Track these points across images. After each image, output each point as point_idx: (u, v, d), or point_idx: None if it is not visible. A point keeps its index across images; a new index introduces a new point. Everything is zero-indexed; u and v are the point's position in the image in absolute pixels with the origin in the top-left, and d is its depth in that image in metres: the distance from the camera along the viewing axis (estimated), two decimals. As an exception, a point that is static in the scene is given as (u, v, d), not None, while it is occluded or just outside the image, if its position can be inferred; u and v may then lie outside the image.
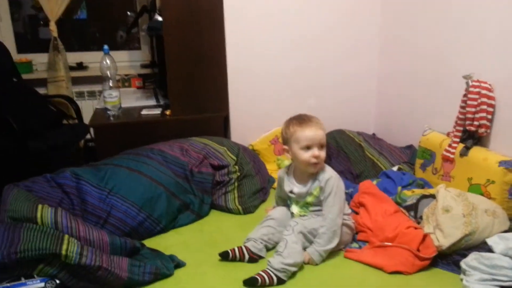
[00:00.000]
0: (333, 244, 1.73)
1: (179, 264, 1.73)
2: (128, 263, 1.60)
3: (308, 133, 1.75)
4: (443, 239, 1.74)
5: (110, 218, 1.85)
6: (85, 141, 3.31)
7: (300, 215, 1.84)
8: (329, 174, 1.78)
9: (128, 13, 3.86)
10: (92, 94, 3.51)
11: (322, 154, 1.76)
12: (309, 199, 1.82)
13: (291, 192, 1.86)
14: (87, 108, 3.43)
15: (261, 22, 2.66)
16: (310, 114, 1.86)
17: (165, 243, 1.91)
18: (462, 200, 1.83)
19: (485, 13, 2.05)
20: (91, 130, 2.87)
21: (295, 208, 1.87)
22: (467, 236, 1.72)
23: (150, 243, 1.88)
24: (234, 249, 1.75)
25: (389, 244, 1.78)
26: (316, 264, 1.71)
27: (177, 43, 2.50)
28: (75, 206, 1.85)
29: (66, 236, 1.54)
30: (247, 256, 1.74)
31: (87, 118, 3.01)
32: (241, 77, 2.70)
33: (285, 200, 1.96)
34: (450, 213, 1.78)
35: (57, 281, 1.49)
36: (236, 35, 2.63)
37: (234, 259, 1.74)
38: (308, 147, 1.75)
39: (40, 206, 1.64)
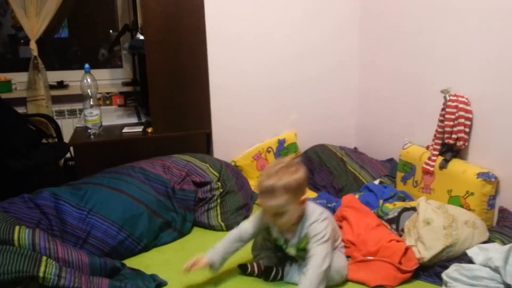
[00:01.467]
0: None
1: (160, 284, 1.71)
2: (108, 284, 1.57)
3: (260, 199, 1.63)
4: (425, 251, 1.76)
5: (90, 238, 1.82)
6: (65, 160, 3.26)
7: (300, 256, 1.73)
8: (313, 219, 1.63)
9: (111, 31, 3.86)
10: (72, 113, 3.47)
11: (279, 222, 1.62)
12: (302, 245, 1.67)
13: (285, 241, 1.71)
14: (68, 127, 3.39)
15: (244, 41, 2.69)
16: (283, 159, 1.71)
17: (146, 262, 1.88)
18: (442, 212, 1.85)
19: (460, 29, 2.10)
20: (71, 149, 2.83)
21: (291, 251, 1.73)
22: (448, 247, 1.73)
23: (131, 262, 1.85)
24: (253, 265, 1.76)
25: (372, 258, 1.78)
26: None
27: (159, 61, 2.50)
28: (54, 226, 1.81)
29: (44, 258, 1.50)
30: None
31: (67, 137, 2.97)
32: (223, 94, 2.71)
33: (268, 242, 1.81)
34: (431, 226, 1.80)
35: (35, 304, 1.45)
36: (218, 53, 2.64)
37: (252, 274, 1.76)
38: (264, 212, 1.67)
39: (17, 228, 1.60)
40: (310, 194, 2.51)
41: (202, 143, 2.68)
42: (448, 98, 2.07)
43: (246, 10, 2.67)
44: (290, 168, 1.57)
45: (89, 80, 2.53)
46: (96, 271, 1.62)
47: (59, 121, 3.35)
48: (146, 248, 1.97)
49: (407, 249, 1.79)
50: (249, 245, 1.82)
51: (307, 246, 1.62)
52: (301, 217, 1.64)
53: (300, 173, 1.58)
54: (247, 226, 1.74)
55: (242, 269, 1.77)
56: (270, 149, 2.82)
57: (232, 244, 1.71)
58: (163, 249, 2.00)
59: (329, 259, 1.58)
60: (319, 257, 1.56)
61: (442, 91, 2.10)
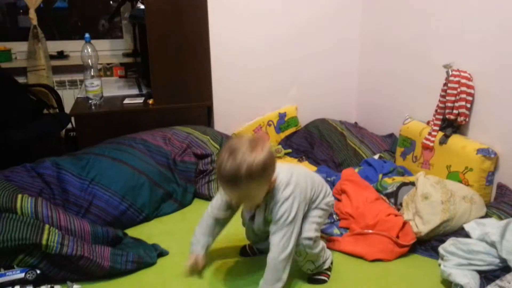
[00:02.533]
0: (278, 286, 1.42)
1: (162, 253, 1.74)
2: (111, 252, 1.60)
3: (223, 188, 1.41)
4: (422, 226, 1.78)
5: (92, 207, 1.84)
6: (66, 130, 3.26)
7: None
8: (276, 199, 1.42)
9: (111, 1, 3.80)
10: (73, 84, 3.45)
11: (248, 203, 1.49)
12: (269, 218, 1.48)
13: (251, 218, 1.56)
14: (68, 98, 3.37)
15: (245, 14, 2.66)
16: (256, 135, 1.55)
17: (148, 232, 1.91)
18: (440, 187, 1.86)
19: (464, 4, 2.07)
20: (73, 119, 2.83)
21: (261, 226, 1.55)
22: (445, 222, 1.76)
23: (132, 232, 1.88)
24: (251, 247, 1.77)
25: (370, 231, 1.81)
26: None
27: (160, 32, 2.47)
28: (56, 196, 1.83)
29: (47, 226, 1.53)
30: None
31: (68, 107, 2.96)
32: (225, 67, 2.69)
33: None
34: (428, 200, 1.82)
35: (38, 271, 1.48)
36: (220, 25, 2.62)
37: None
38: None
39: (20, 196, 1.62)
40: (310, 168, 2.53)
41: (203, 115, 2.67)
42: (450, 73, 2.06)
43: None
44: (253, 149, 1.31)
45: (89, 50, 2.50)
46: (98, 240, 1.65)
47: (60, 92, 3.32)
48: (147, 218, 1.99)
49: (404, 223, 1.82)
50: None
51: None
52: (267, 194, 1.43)
53: (264, 154, 1.31)
54: (216, 210, 1.61)
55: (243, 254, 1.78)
56: (270, 122, 2.82)
57: (213, 231, 1.61)
58: (164, 219, 2.03)
59: (293, 239, 1.41)
60: (277, 245, 1.40)
61: (445, 66, 2.09)
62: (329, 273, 1.62)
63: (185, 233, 1.90)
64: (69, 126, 3.09)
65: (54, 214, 1.61)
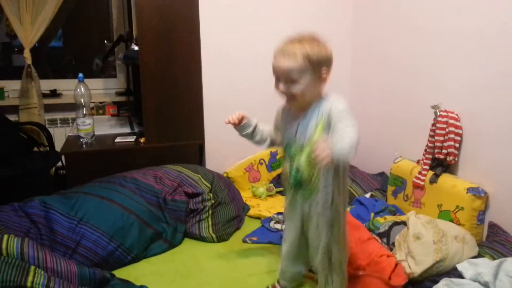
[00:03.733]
0: (350, 152, 1.32)
1: (150, 295, 1.69)
2: (97, 294, 1.56)
3: (274, 62, 1.47)
4: (415, 266, 1.76)
5: (79, 248, 1.80)
6: (56, 169, 3.24)
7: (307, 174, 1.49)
8: (333, 98, 1.45)
9: (105, 41, 3.87)
10: (65, 122, 3.46)
11: (293, 90, 1.44)
12: (316, 136, 1.44)
13: (295, 134, 1.51)
14: (60, 136, 3.37)
15: (237, 58, 2.72)
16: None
17: (136, 273, 1.87)
18: (432, 227, 1.86)
19: (450, 48, 2.14)
20: (63, 158, 2.82)
21: (301, 158, 1.49)
22: (438, 262, 1.74)
23: (120, 273, 1.84)
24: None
25: (362, 273, 1.78)
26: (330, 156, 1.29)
27: (153, 72, 2.51)
28: (43, 236, 1.80)
29: (33, 268, 1.49)
30: None
31: (59, 145, 2.96)
32: (217, 107, 2.71)
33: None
34: (421, 240, 1.81)
35: (22, 315, 1.43)
36: (212, 67, 2.67)
37: None
38: (277, 78, 1.50)
39: (6, 236, 1.58)
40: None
41: (195, 154, 2.68)
42: (438, 114, 2.10)
43: (240, 27, 2.71)
44: (317, 41, 1.43)
45: (82, 89, 2.53)
46: (85, 282, 1.60)
47: (51, 130, 3.33)
48: (136, 259, 1.95)
49: (396, 264, 1.80)
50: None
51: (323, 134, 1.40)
52: (318, 98, 1.47)
53: (327, 49, 1.43)
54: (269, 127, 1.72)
55: None
56: (262, 161, 2.83)
57: (263, 128, 1.72)
58: (153, 260, 1.99)
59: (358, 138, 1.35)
60: (350, 126, 1.36)
61: (433, 107, 2.13)
62: None
63: (174, 274, 1.87)
64: (59, 164, 3.07)
65: (40, 255, 1.57)
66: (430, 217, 1.98)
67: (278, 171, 2.86)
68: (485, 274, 1.57)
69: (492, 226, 1.93)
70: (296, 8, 2.81)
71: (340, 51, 2.88)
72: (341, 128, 1.37)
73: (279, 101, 2.80)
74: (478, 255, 1.80)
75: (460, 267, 1.68)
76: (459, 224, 1.97)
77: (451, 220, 2.01)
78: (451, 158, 2.06)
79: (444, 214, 2.05)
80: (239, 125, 1.66)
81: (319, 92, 1.48)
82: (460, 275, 1.66)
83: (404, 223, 2.01)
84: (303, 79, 1.41)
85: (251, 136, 1.69)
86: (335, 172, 1.48)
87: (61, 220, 1.84)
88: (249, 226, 2.32)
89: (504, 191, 1.90)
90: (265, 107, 2.81)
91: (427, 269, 1.74)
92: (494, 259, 1.69)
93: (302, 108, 1.50)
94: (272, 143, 1.71)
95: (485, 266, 1.61)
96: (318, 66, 1.42)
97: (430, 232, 1.82)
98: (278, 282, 1.76)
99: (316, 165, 1.44)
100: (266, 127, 1.71)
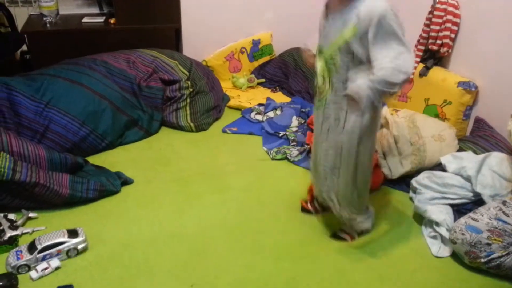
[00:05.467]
0: (396, 79, 1.16)
1: (126, 181, 1.64)
2: (70, 179, 1.49)
3: None
4: (394, 171, 1.75)
5: (48, 132, 1.69)
6: (21, 53, 3.00)
7: (323, 83, 1.31)
8: (373, 5, 1.18)
9: None
10: (26, 1, 3.12)
11: None
12: (341, 40, 1.22)
13: (325, 29, 1.30)
14: (22, 16, 3.06)
15: None
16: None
17: (111, 159, 1.80)
18: (409, 125, 1.80)
19: None
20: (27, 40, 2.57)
21: (319, 64, 1.33)
22: (416, 166, 1.72)
23: (95, 159, 1.77)
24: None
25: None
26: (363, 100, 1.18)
27: None
28: (8, 119, 1.66)
29: (-4, 150, 1.39)
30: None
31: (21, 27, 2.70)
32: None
33: None
34: (399, 143, 1.77)
35: (-12, 199, 1.36)
36: None
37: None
38: None
39: (-37, 117, 1.45)
40: (284, 98, 2.43)
41: (171, 38, 2.47)
42: (437, 0, 1.94)
43: None
44: None
45: (43, -41, 2.22)
46: (56, 167, 1.52)
47: (11, 9, 3.01)
48: (111, 146, 1.87)
49: (376, 164, 1.77)
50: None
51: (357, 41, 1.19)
52: None
53: None
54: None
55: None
56: (243, 49, 2.66)
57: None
58: (129, 147, 1.92)
59: (410, 62, 1.19)
60: (390, 51, 1.17)
61: (432, -8, 1.96)
62: (356, 237, 1.49)
63: (151, 162, 1.81)
64: (25, 48, 2.83)
65: (4, 138, 1.46)
66: (409, 110, 1.93)
67: (260, 61, 2.71)
68: (469, 168, 1.55)
69: (478, 121, 1.89)
70: None
71: None
72: (385, 55, 1.16)
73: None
74: (460, 150, 1.77)
75: (444, 160, 1.66)
76: (445, 119, 1.93)
77: (437, 115, 1.96)
78: (445, 49, 1.94)
79: (430, 109, 2.00)
80: None
81: None
82: (441, 169, 1.66)
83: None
84: None
85: None
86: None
87: (26, 103, 1.70)
88: (229, 116, 2.24)
89: (494, 85, 1.83)
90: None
91: (404, 173, 1.73)
92: (476, 153, 1.68)
93: (340, 3, 1.24)
94: None
95: (469, 160, 1.59)
96: None
97: (406, 132, 1.77)
98: (315, 200, 1.59)
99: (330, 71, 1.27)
100: None
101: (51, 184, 1.41)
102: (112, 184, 1.56)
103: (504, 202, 1.35)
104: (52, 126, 1.70)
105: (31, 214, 1.44)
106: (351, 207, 1.41)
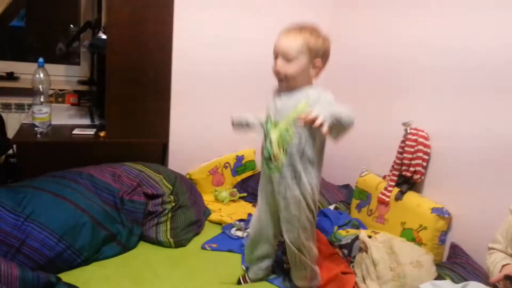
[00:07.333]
0: (351, 115, 1.42)
1: (98, 303, 1.58)
2: (39, 301, 1.43)
3: (276, 42, 1.56)
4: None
5: (24, 247, 1.66)
6: (6, 156, 3.04)
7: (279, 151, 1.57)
8: (320, 90, 1.54)
9: (71, 26, 3.68)
10: (20, 107, 3.24)
11: (287, 69, 1.52)
12: (295, 114, 1.51)
13: (276, 106, 1.61)
14: (13, 122, 3.16)
15: (209, 52, 2.62)
16: None
17: (85, 277, 1.75)
18: (387, 251, 1.83)
19: (424, 64, 2.14)
20: (15, 147, 2.63)
21: (273, 134, 1.59)
22: (398, 288, 1.72)
23: (69, 276, 1.71)
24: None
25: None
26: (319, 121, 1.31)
27: (120, 63, 2.37)
28: (-16, 232, 1.64)
29: (-33, 268, 1.35)
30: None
31: (12, 133, 2.77)
32: (185, 104, 2.61)
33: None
34: (378, 267, 1.78)
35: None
36: (184, 61, 2.55)
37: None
38: (275, 57, 1.56)
39: None
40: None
41: (158, 153, 2.56)
42: (408, 131, 2.09)
43: (213, 24, 2.61)
44: (318, 33, 1.55)
45: (42, 75, 2.36)
46: (28, 286, 1.47)
47: (4, 115, 3.12)
48: (86, 262, 1.83)
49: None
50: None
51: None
52: (308, 85, 1.57)
53: (325, 42, 1.56)
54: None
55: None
56: (227, 164, 2.75)
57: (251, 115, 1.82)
58: (105, 263, 1.87)
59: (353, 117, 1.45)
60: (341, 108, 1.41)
61: (404, 124, 2.12)
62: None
63: (126, 281, 1.76)
64: (10, 152, 2.88)
65: (-22, 254, 1.43)
66: (386, 234, 1.97)
67: (243, 175, 2.79)
68: (448, 298, 1.55)
69: (453, 247, 1.93)
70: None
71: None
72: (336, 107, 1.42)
73: (249, 103, 2.74)
74: (438, 277, 1.78)
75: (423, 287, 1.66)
76: (421, 244, 1.96)
77: (413, 239, 2.00)
78: (418, 176, 2.05)
79: (407, 232, 2.04)
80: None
81: (309, 79, 1.57)
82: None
83: (365, 239, 1.98)
84: (298, 60, 1.51)
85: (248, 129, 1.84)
86: (303, 153, 1.56)
87: (5, 216, 1.69)
88: (210, 231, 2.24)
89: (467, 214, 1.90)
90: (235, 108, 2.73)
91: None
92: (454, 281, 1.68)
93: (290, 89, 1.57)
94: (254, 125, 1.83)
95: (447, 289, 1.60)
96: (314, 54, 1.53)
97: (386, 258, 1.80)
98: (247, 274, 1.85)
99: (287, 141, 1.55)
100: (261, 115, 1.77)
101: (19, 306, 1.36)
102: (83, 306, 1.51)
103: None
104: (29, 240, 1.68)
105: None
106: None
